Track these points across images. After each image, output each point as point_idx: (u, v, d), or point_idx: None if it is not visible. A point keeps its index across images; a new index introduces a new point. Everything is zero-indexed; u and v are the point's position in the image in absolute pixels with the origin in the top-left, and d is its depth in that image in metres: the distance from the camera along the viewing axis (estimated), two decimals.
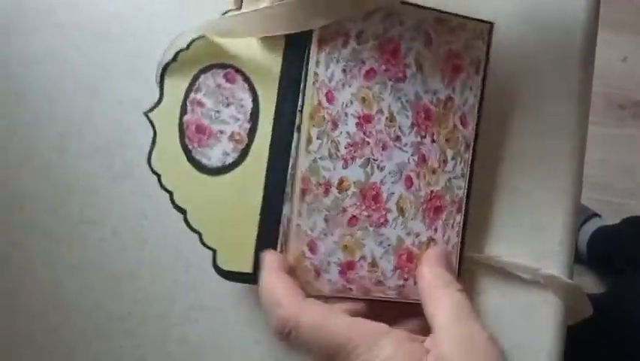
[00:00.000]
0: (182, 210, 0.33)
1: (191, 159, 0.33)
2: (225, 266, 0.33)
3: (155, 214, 0.35)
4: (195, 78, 0.34)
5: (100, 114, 0.38)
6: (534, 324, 0.36)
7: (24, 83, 0.38)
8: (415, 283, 0.33)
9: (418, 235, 0.33)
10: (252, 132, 0.34)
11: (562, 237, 0.37)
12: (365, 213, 0.33)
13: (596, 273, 1.10)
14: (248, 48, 0.34)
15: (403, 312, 0.33)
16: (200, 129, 0.33)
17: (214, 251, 0.33)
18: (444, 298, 0.30)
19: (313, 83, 0.32)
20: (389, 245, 0.33)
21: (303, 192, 0.32)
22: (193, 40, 0.34)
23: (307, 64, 0.33)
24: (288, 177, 0.34)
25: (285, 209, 0.34)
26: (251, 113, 0.34)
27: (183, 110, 0.33)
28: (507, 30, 0.37)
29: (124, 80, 0.38)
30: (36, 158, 0.37)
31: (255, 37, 0.34)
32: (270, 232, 0.34)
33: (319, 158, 0.32)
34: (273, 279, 0.31)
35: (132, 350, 0.37)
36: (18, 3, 0.38)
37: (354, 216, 0.33)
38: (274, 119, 0.34)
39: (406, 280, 0.33)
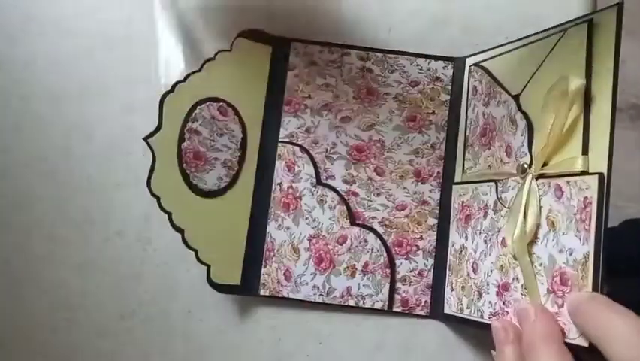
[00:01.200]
0: (180, 230, 0.36)
1: (189, 183, 0.36)
2: (218, 280, 0.37)
3: (159, 215, 0.36)
4: (192, 109, 0.37)
5: (106, 118, 0.39)
6: None
7: (30, 87, 0.39)
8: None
9: (571, 252, 0.29)
10: (241, 160, 0.38)
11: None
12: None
13: None
14: (238, 84, 0.38)
15: None
16: (197, 156, 0.37)
17: (208, 267, 0.36)
18: None
19: None
20: (540, 265, 0.30)
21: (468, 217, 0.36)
22: (190, 74, 0.37)
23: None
24: (272, 198, 0.39)
25: (270, 227, 0.38)
26: (241, 143, 0.38)
27: (182, 138, 0.36)
28: (511, 35, 0.37)
29: (130, 85, 0.39)
30: (42, 160, 0.38)
31: (243, 74, 0.38)
32: (256, 248, 0.38)
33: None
34: None
35: (136, 349, 0.38)
36: (24, 9, 0.39)
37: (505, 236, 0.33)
38: (259, 148, 0.39)
39: (560, 306, 0.29)
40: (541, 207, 0.31)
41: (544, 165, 0.31)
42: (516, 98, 0.34)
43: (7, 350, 0.37)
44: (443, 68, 0.40)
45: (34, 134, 0.39)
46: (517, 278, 0.32)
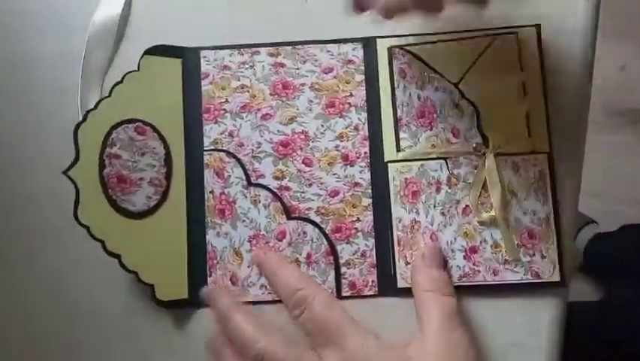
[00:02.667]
0: (115, 256, 0.36)
1: (117, 208, 0.36)
2: (164, 297, 0.37)
3: None
4: (108, 134, 0.37)
5: None
6: (533, 323, 0.37)
7: (32, 83, 0.40)
8: (542, 258, 0.37)
9: (535, 212, 0.37)
10: (168, 175, 0.38)
11: (572, 229, 0.39)
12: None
13: (591, 280, 1.07)
14: (152, 101, 0.38)
15: None
16: (121, 179, 0.37)
17: (152, 286, 0.37)
18: (434, 304, 0.34)
19: None
20: (508, 226, 0.37)
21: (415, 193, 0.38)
22: (100, 100, 0.37)
23: None
24: (206, 208, 0.39)
25: (208, 236, 0.39)
26: (165, 159, 0.38)
27: (102, 165, 0.36)
28: None
29: None
30: (42, 157, 0.39)
31: (155, 91, 0.39)
32: (198, 259, 0.38)
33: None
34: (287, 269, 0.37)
35: (134, 345, 0.38)
36: (26, 6, 0.41)
37: (467, 206, 0.38)
38: (185, 160, 0.39)
39: (532, 255, 0.37)
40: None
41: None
42: (456, 85, 0.39)
43: (1, 348, 0.38)
44: (353, 49, 0.40)
45: (33, 130, 0.40)
46: (485, 240, 0.37)
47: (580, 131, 0.39)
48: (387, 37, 0.40)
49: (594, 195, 1.13)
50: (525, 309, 0.37)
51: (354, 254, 0.38)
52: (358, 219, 0.39)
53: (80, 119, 0.36)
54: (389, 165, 0.39)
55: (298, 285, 0.36)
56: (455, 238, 0.38)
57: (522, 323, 0.37)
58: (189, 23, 0.41)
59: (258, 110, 0.40)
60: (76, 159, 0.36)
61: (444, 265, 0.37)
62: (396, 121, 0.39)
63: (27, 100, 0.40)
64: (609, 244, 1.03)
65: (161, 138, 0.38)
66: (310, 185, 0.39)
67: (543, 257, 0.37)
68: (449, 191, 0.38)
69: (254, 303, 0.38)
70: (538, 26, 0.39)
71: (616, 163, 1.18)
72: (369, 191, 0.39)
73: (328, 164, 0.39)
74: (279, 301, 0.38)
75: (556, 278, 0.37)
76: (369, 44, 0.40)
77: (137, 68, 0.38)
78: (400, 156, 0.39)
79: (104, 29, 0.39)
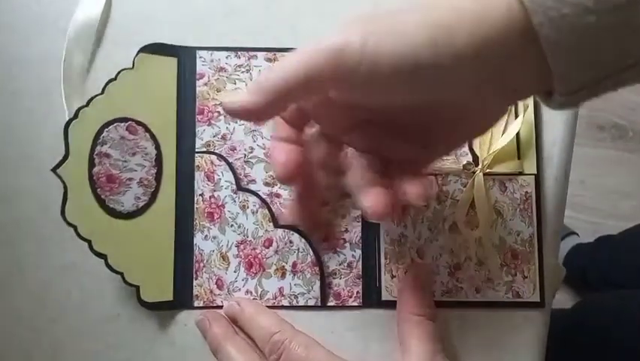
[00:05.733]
0: (102, 256, 0.36)
1: (105, 208, 0.36)
2: (149, 299, 0.37)
3: None
4: (99, 133, 0.36)
5: None
6: (514, 340, 0.38)
7: (21, 83, 0.39)
8: (524, 278, 0.38)
9: (519, 233, 0.38)
10: (158, 176, 0.38)
11: (554, 247, 0.39)
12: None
13: (570, 289, 1.12)
14: (145, 100, 0.38)
15: None
16: (110, 179, 0.36)
17: (137, 288, 0.36)
18: (420, 329, 0.34)
19: None
20: (492, 245, 0.38)
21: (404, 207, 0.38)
22: (92, 98, 0.36)
23: None
24: (195, 210, 0.39)
25: (196, 239, 0.38)
26: (155, 159, 0.38)
27: (91, 164, 0.36)
28: None
29: None
30: (29, 159, 0.38)
31: (149, 90, 0.38)
32: (185, 262, 0.38)
33: None
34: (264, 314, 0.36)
35: (119, 352, 0.38)
36: (19, 6, 0.40)
37: (454, 223, 0.38)
38: (176, 161, 0.39)
39: (514, 275, 0.38)
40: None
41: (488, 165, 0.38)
42: None
43: None
44: None
45: (21, 131, 0.39)
46: (469, 258, 0.38)
47: (567, 153, 0.40)
48: None
49: (574, 207, 1.18)
50: (506, 327, 0.38)
51: (340, 264, 0.39)
52: (347, 230, 0.39)
53: (67, 119, 0.36)
54: None
55: (274, 328, 0.35)
56: (440, 254, 0.38)
57: (503, 341, 0.38)
58: (177, 25, 0.40)
59: None
60: (66, 157, 0.35)
61: (431, 286, 0.37)
62: None
63: (15, 100, 0.39)
64: (587, 255, 1.06)
65: (153, 137, 0.38)
66: None
67: (524, 277, 0.38)
68: (437, 207, 0.39)
69: None
70: None
71: (597, 176, 1.22)
72: None
73: None
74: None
75: (536, 299, 0.38)
76: None
77: (131, 66, 0.38)
78: None
79: (84, 30, 0.39)
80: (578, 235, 1.15)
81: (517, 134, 0.39)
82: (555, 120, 0.40)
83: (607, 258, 1.00)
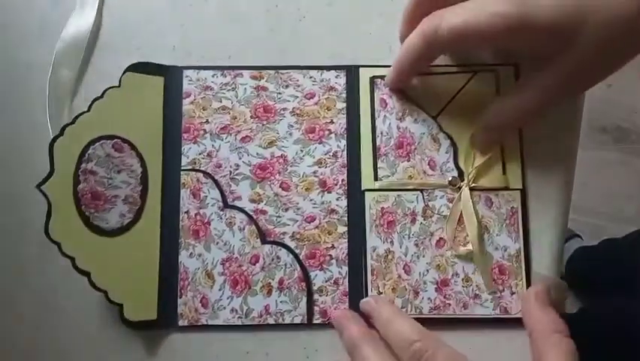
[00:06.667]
0: (85, 273, 0.35)
1: (89, 225, 0.36)
2: (132, 318, 0.36)
3: None
4: (85, 150, 0.36)
5: None
6: (503, 356, 0.38)
7: (24, 88, 0.40)
8: (512, 294, 0.37)
9: (506, 248, 0.38)
10: (144, 193, 0.38)
11: (549, 262, 0.39)
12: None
13: (573, 291, 1.09)
14: (131, 118, 0.38)
15: None
16: (95, 196, 0.36)
17: (120, 306, 0.36)
18: (561, 347, 0.32)
19: None
20: (479, 261, 0.38)
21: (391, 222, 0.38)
22: (78, 115, 0.37)
23: None
24: (180, 228, 0.38)
25: (181, 257, 0.38)
26: (141, 177, 0.38)
27: (77, 180, 0.36)
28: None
29: None
30: (31, 163, 0.38)
31: (136, 108, 0.38)
32: (170, 280, 0.38)
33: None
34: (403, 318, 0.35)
35: (123, 355, 0.37)
36: (21, 13, 0.41)
37: (441, 239, 0.38)
38: (162, 179, 0.39)
39: (502, 291, 0.38)
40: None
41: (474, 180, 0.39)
42: (434, 118, 0.40)
43: None
44: (336, 77, 0.41)
45: (23, 136, 0.40)
46: (456, 274, 0.38)
47: (570, 154, 0.40)
48: (370, 66, 0.41)
49: (578, 210, 1.17)
50: (494, 342, 0.38)
51: (327, 281, 0.38)
52: (333, 246, 0.39)
53: (51, 135, 0.36)
54: (366, 193, 0.39)
55: (414, 336, 0.33)
56: (427, 270, 0.38)
57: (491, 357, 0.37)
58: (165, 44, 0.41)
59: (238, 132, 0.40)
60: (51, 173, 0.35)
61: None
62: (375, 150, 0.40)
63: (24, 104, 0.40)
64: (590, 258, 1.06)
65: (139, 155, 0.38)
66: (287, 210, 0.39)
67: (512, 293, 0.38)
68: (424, 223, 0.39)
69: (223, 327, 0.38)
70: (516, 65, 0.40)
71: (600, 179, 1.22)
72: (345, 219, 0.39)
73: (305, 189, 0.39)
74: (250, 326, 0.37)
75: None
76: (351, 73, 0.41)
77: (117, 85, 0.38)
78: (377, 185, 0.39)
79: (72, 47, 0.39)
80: (581, 237, 1.14)
81: (503, 148, 0.39)
82: (541, 132, 0.40)
83: (610, 260, 0.98)
